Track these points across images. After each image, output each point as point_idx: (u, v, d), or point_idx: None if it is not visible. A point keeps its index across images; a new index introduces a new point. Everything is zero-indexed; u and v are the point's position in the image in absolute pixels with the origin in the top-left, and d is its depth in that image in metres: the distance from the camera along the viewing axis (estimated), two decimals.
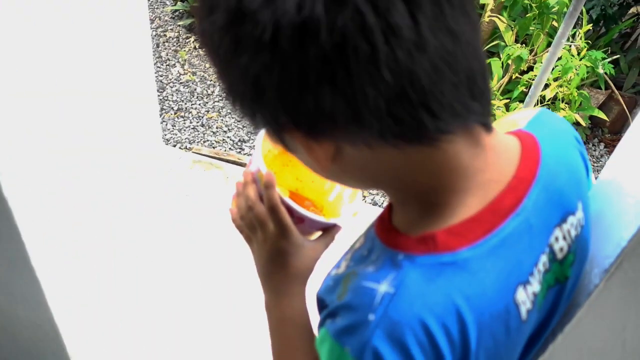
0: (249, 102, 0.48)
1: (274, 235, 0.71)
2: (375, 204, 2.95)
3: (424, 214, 0.52)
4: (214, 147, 3.25)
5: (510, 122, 0.65)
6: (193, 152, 3.08)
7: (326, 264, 0.73)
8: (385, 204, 2.53)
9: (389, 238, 0.54)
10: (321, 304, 0.60)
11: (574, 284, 0.64)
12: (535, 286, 0.53)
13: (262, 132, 0.78)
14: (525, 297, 0.52)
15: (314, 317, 0.71)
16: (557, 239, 0.56)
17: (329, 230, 0.77)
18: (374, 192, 3.00)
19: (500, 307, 0.49)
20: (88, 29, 0.86)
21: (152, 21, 4.42)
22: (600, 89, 3.29)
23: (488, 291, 0.49)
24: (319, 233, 0.77)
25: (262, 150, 0.76)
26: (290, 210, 0.71)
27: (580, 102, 3.03)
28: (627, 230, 0.61)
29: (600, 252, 0.65)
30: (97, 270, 1.05)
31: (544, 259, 0.54)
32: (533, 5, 2.84)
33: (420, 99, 0.43)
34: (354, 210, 0.83)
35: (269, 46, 0.41)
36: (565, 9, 2.73)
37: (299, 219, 0.73)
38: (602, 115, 3.19)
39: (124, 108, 0.95)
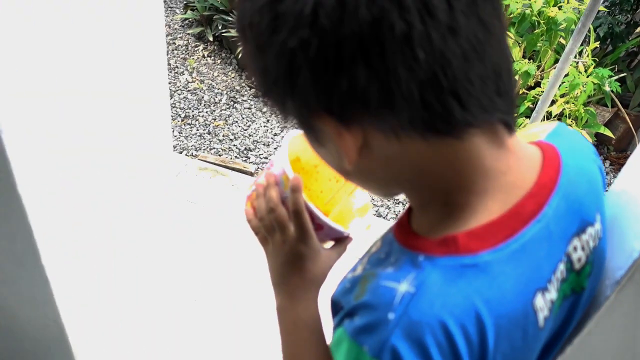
0: (281, 86, 0.48)
1: (294, 239, 0.71)
2: (379, 215, 2.95)
3: (444, 215, 0.53)
4: (220, 155, 3.26)
5: (530, 135, 0.65)
6: (199, 159, 3.09)
7: (338, 273, 0.73)
8: (390, 215, 2.51)
9: (408, 240, 0.54)
10: (335, 307, 0.59)
11: (589, 296, 0.64)
12: (552, 294, 0.53)
13: (288, 136, 0.79)
14: (543, 304, 0.52)
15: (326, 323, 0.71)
16: (575, 248, 0.56)
17: (342, 241, 0.78)
18: (379, 203, 3.00)
19: (518, 312, 0.49)
20: (102, 33, 0.87)
21: None
22: (607, 106, 3.29)
23: (507, 295, 0.49)
24: (331, 243, 0.78)
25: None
26: (311, 216, 0.72)
27: (587, 119, 3.03)
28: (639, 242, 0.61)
29: (611, 263, 0.65)
30: (102, 272, 1.06)
31: (561, 267, 0.54)
32: (541, 21, 2.85)
33: (450, 86, 0.44)
34: (367, 223, 0.84)
35: (308, 20, 0.42)
36: (573, 26, 2.74)
37: (318, 225, 0.73)
38: (608, 133, 3.20)
39: (135, 111, 0.96)
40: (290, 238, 0.72)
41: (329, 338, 0.63)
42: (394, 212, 2.96)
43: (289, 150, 0.80)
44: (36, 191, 0.84)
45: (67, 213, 0.92)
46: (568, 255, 0.55)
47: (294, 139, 0.80)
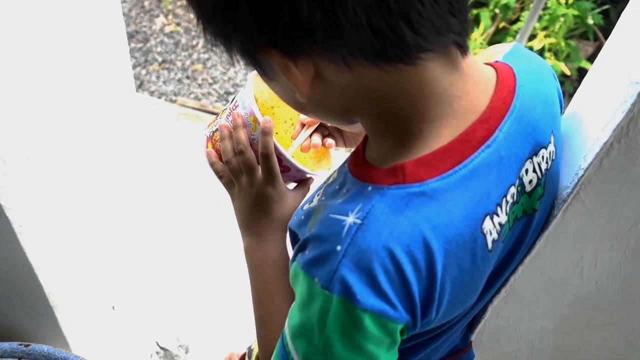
0: (220, 21, 0.46)
1: (262, 182, 0.71)
2: None
3: (396, 144, 0.52)
4: (199, 100, 3.21)
5: (486, 56, 0.64)
6: (178, 104, 3.05)
7: None
8: None
9: (360, 171, 0.54)
10: (294, 238, 0.61)
11: (541, 218, 0.66)
12: (502, 217, 0.54)
13: (252, 75, 0.76)
14: (491, 227, 0.53)
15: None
16: (527, 171, 0.56)
17: (305, 181, 0.79)
18: None
19: (467, 236, 0.50)
20: None
21: None
22: (589, 40, 3.26)
23: (455, 220, 0.49)
24: (294, 184, 0.79)
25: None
26: (278, 158, 0.71)
27: (569, 54, 3.00)
28: (585, 161, 0.62)
29: (561, 183, 0.66)
30: (74, 213, 1.06)
31: (512, 190, 0.55)
32: None
33: (399, 9, 0.42)
34: (328, 165, 0.84)
35: None
36: None
37: (285, 167, 0.74)
38: (589, 67, 3.17)
39: (95, 58, 0.93)
40: (258, 181, 0.72)
41: None
42: None
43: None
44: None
45: (23, 156, 0.91)
46: (520, 178, 0.56)
47: (257, 78, 0.78)
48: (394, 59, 0.46)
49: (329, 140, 0.81)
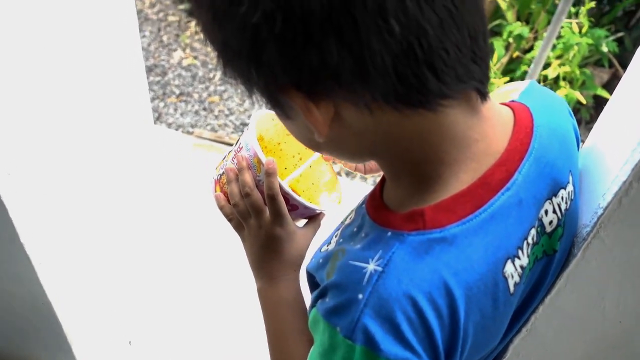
0: (244, 60, 0.45)
1: (270, 223, 0.71)
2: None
3: (414, 188, 0.52)
4: (216, 131, 3.25)
5: (502, 94, 0.64)
6: (195, 135, 3.09)
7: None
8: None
9: (378, 215, 0.54)
10: (311, 280, 0.60)
11: (562, 257, 0.65)
12: (523, 260, 0.53)
13: (255, 116, 0.77)
14: (513, 270, 0.52)
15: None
16: (547, 212, 0.56)
17: (315, 217, 0.78)
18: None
19: (488, 280, 0.50)
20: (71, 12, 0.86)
21: (152, 5, 4.41)
22: (605, 67, 3.25)
23: (476, 266, 0.49)
24: (305, 220, 0.79)
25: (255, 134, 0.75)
26: (285, 197, 0.71)
27: (584, 81, 3.00)
28: (604, 199, 0.61)
29: (580, 221, 0.65)
30: (91, 248, 1.07)
31: (532, 232, 0.54)
32: None
33: (426, 57, 0.42)
34: (338, 197, 0.84)
35: None
36: None
37: (293, 205, 0.74)
38: (605, 94, 3.16)
39: (114, 91, 0.96)
40: (267, 222, 0.72)
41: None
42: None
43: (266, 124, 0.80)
44: (7, 170, 0.84)
45: (44, 191, 0.92)
46: (540, 220, 0.55)
47: (261, 118, 0.79)
48: (416, 104, 0.46)
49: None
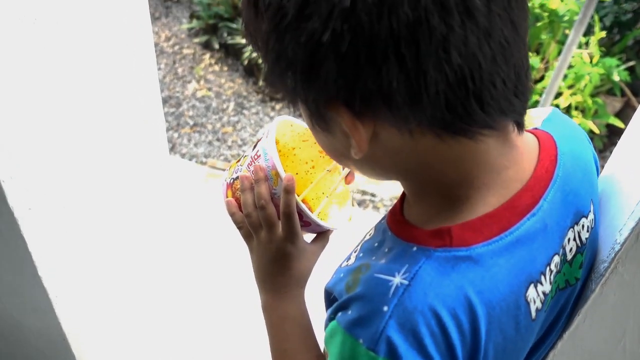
0: (298, 74, 0.45)
1: (282, 239, 0.71)
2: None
3: (442, 207, 0.53)
4: (229, 161, 3.28)
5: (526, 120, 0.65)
6: (208, 166, 3.13)
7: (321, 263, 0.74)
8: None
9: (402, 230, 0.54)
10: (329, 297, 0.59)
11: (582, 287, 0.65)
12: (545, 286, 0.53)
13: (275, 122, 0.76)
14: (535, 296, 0.52)
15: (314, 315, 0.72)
16: (569, 240, 0.56)
17: (324, 233, 0.78)
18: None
19: (510, 302, 0.50)
20: (88, 43, 0.88)
21: (168, 39, 4.51)
22: (617, 96, 3.25)
23: (500, 286, 0.49)
24: (313, 234, 0.78)
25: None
26: (299, 213, 0.70)
27: (596, 110, 2.99)
28: (621, 235, 0.61)
29: (599, 255, 0.65)
30: (105, 280, 1.08)
31: (556, 259, 0.54)
32: (544, 14, 2.83)
33: (476, 89, 0.43)
34: (349, 214, 0.83)
35: (345, 13, 0.40)
36: (575, 17, 2.71)
37: (305, 222, 0.73)
38: (618, 123, 3.15)
39: (131, 122, 0.97)
40: (278, 238, 0.71)
41: (319, 331, 0.63)
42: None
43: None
44: (30, 204, 0.86)
45: (62, 223, 0.94)
46: (563, 247, 0.55)
47: (280, 123, 0.77)
48: (459, 132, 0.47)
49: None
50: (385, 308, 0.47)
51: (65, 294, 0.98)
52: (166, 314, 1.41)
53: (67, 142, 0.91)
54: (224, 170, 3.07)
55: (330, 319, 0.54)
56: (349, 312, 0.50)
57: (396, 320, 0.46)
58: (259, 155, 0.72)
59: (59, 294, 0.95)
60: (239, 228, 0.75)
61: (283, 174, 0.69)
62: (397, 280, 0.48)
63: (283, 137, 0.79)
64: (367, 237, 0.61)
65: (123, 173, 1.09)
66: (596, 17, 3.12)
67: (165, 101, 3.82)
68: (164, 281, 1.37)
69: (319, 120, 0.51)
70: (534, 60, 2.80)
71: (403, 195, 0.59)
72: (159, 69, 4.04)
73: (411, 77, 0.42)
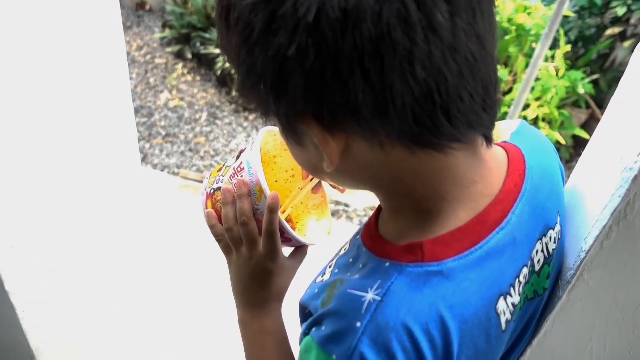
0: (268, 87, 0.46)
1: (262, 256, 0.71)
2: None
3: (414, 222, 0.53)
4: (201, 172, 3.26)
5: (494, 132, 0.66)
6: (181, 177, 3.09)
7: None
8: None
9: (375, 246, 0.54)
10: (304, 311, 0.60)
11: (550, 296, 0.66)
12: (515, 298, 0.55)
13: (261, 133, 0.75)
14: (505, 308, 0.53)
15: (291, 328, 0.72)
16: (537, 252, 0.58)
17: (303, 247, 0.78)
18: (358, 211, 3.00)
19: (482, 316, 0.51)
20: (59, 51, 0.86)
21: (140, 48, 4.47)
22: (582, 108, 3.35)
23: (472, 300, 0.50)
24: (291, 248, 0.78)
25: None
26: (281, 230, 0.70)
27: (562, 122, 3.07)
28: (586, 243, 0.62)
29: (565, 264, 0.66)
30: (74, 295, 1.06)
31: (525, 271, 0.55)
32: (512, 28, 2.90)
33: (442, 103, 0.44)
34: (328, 226, 0.82)
35: (309, 29, 0.40)
36: (542, 31, 2.79)
37: (286, 238, 0.72)
38: (584, 134, 3.25)
39: (102, 133, 0.96)
40: (259, 254, 0.71)
41: (294, 344, 0.63)
42: None
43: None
44: None
45: (30, 237, 0.92)
46: (532, 259, 0.57)
47: (265, 135, 0.76)
48: (428, 145, 0.47)
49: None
50: (359, 324, 0.47)
51: (33, 310, 0.95)
52: (138, 328, 1.39)
53: (35, 153, 0.89)
54: (196, 181, 3.05)
55: (305, 334, 0.54)
56: (323, 327, 0.50)
57: (369, 336, 0.46)
58: (243, 169, 0.71)
59: (27, 309, 0.93)
60: (219, 241, 0.74)
61: (268, 191, 0.69)
62: (370, 296, 0.48)
63: (266, 146, 0.79)
64: (342, 252, 0.61)
65: (93, 185, 1.08)
66: (562, 32, 3.21)
67: (137, 111, 3.77)
68: (136, 295, 1.35)
69: (291, 134, 0.51)
70: (503, 72, 2.87)
71: (379, 209, 0.59)
72: (131, 78, 4.00)
73: (377, 90, 0.42)
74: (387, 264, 0.51)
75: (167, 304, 1.97)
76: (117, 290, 1.24)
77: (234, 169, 0.73)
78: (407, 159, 0.49)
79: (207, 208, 0.76)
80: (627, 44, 3.32)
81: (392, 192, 0.55)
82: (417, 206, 0.53)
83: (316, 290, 0.57)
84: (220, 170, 0.76)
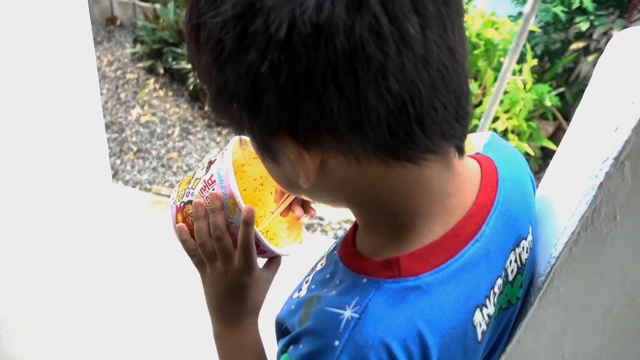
0: (241, 105, 0.45)
1: (238, 270, 0.70)
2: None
3: (389, 237, 0.53)
4: (174, 187, 3.22)
5: (466, 144, 0.67)
6: (153, 192, 3.05)
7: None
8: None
9: (352, 262, 0.54)
10: (280, 328, 0.59)
11: (523, 303, 0.67)
12: (490, 308, 0.55)
13: (231, 145, 0.74)
14: (481, 319, 0.53)
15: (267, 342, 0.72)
16: (510, 262, 0.58)
17: (277, 258, 0.77)
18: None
19: (459, 329, 0.51)
20: (31, 67, 0.85)
21: (110, 63, 4.42)
22: (549, 120, 3.43)
23: (448, 314, 0.50)
24: (265, 259, 0.77)
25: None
26: (256, 242, 0.69)
27: (531, 134, 3.15)
28: (555, 249, 0.64)
29: (536, 270, 0.68)
30: (46, 309, 1.03)
31: (499, 282, 0.56)
32: (480, 42, 2.97)
33: (417, 114, 0.44)
34: (300, 236, 0.82)
35: (281, 45, 0.40)
36: (509, 46, 2.87)
37: (261, 250, 0.72)
38: (551, 146, 3.33)
39: (72, 149, 0.95)
40: (234, 269, 0.70)
41: (270, 357, 0.62)
42: None
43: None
44: None
45: None
46: (505, 270, 0.57)
47: (234, 145, 0.75)
48: (403, 157, 0.47)
49: (297, 212, 0.80)
50: (337, 343, 0.47)
51: (7, 326, 0.92)
52: (109, 343, 1.36)
53: (2, 169, 0.87)
54: (169, 197, 3.01)
55: (282, 352, 0.53)
56: (301, 346, 0.50)
57: (348, 355, 0.46)
58: (214, 181, 0.70)
59: (2, 324, 0.90)
60: (191, 256, 0.73)
61: (242, 205, 0.67)
62: (347, 313, 0.48)
63: (234, 155, 0.77)
64: (319, 267, 0.61)
65: (63, 201, 1.06)
66: (528, 46, 3.30)
67: (107, 127, 3.72)
68: (108, 313, 1.32)
69: (266, 151, 0.51)
70: (472, 86, 2.93)
71: (355, 224, 0.60)
72: (101, 94, 3.95)
73: (352, 104, 0.42)
74: (365, 280, 0.51)
75: (140, 322, 1.93)
76: (88, 309, 1.22)
77: (204, 181, 0.71)
78: (382, 172, 0.49)
79: (177, 222, 0.74)
80: (590, 58, 3.43)
81: (367, 207, 0.55)
82: (393, 221, 0.53)
83: (292, 307, 0.57)
84: (189, 182, 0.74)
